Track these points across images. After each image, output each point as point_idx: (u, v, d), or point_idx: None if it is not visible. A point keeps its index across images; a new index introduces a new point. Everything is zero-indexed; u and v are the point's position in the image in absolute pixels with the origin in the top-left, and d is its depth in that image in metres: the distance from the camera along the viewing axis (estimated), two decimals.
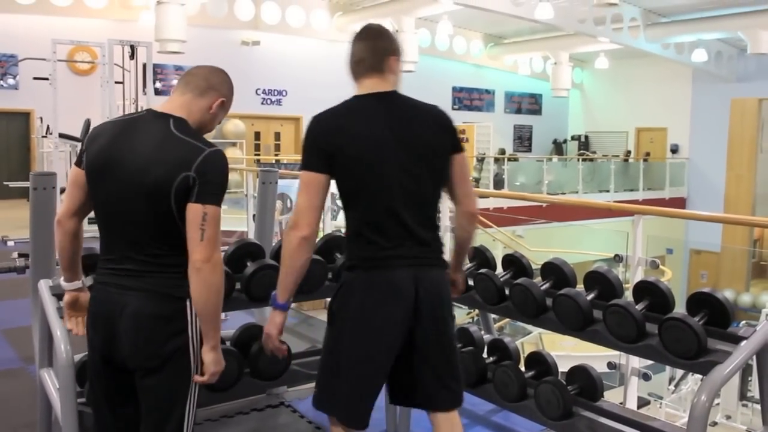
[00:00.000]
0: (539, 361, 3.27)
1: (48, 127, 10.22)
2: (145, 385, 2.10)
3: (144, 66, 6.18)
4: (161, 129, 2.06)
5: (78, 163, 2.15)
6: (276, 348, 2.40)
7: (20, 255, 4.93)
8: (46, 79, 8.48)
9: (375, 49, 2.34)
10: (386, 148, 2.23)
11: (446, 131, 2.34)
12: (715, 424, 7.28)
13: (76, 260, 2.29)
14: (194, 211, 1.98)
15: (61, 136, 9.25)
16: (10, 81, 14.60)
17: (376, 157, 2.22)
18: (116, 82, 6.41)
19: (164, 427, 2.11)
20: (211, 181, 2.00)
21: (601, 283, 2.90)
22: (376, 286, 2.23)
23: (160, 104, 2.17)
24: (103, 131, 2.13)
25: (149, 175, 1.99)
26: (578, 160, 19.77)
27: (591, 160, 20.09)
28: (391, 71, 2.35)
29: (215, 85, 2.20)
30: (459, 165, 2.34)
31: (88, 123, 10.74)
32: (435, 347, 2.30)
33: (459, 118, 20.73)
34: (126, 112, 6.39)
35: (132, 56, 5.97)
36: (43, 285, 2.98)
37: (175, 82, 12.80)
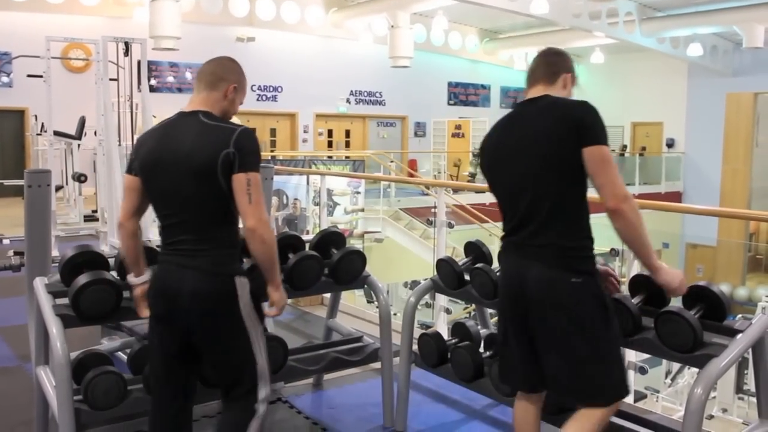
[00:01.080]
0: None
1: (42, 125, 10.17)
2: (212, 353, 2.41)
3: (139, 63, 6.15)
4: (195, 122, 2.37)
5: (129, 171, 2.47)
6: None
7: (15, 253, 4.92)
8: (41, 76, 8.44)
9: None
10: (506, 149, 2.46)
11: (572, 126, 2.30)
12: (711, 417, 7.30)
13: (140, 257, 2.58)
14: (239, 179, 2.28)
15: (56, 133, 9.21)
16: (4, 79, 14.56)
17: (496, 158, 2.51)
18: (111, 79, 6.37)
19: (239, 381, 2.42)
20: (249, 152, 2.30)
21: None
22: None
23: (186, 105, 2.45)
24: (148, 137, 2.48)
25: (195, 160, 2.29)
26: None
27: None
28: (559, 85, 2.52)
29: (223, 74, 2.47)
30: (589, 157, 2.28)
31: (83, 120, 10.71)
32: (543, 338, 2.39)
33: (454, 114, 20.76)
34: (121, 110, 6.39)
35: (126, 53, 5.94)
36: (39, 283, 2.97)
37: (170, 79, 12.77)
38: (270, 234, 2.35)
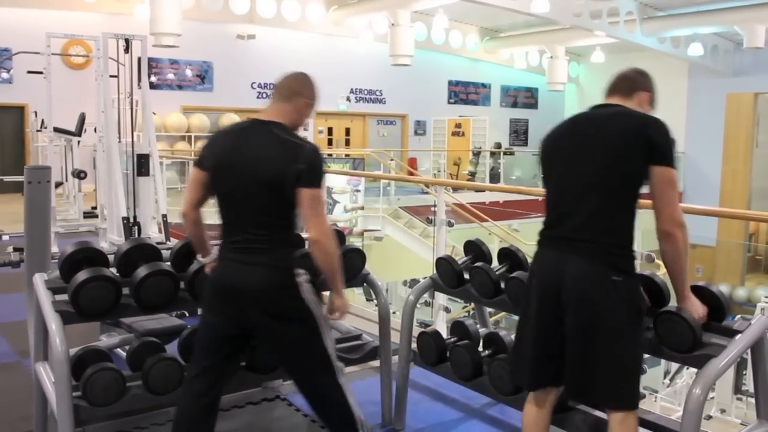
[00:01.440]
0: None
1: (42, 121, 10.17)
2: (279, 340, 2.57)
3: (139, 60, 6.14)
4: (269, 133, 2.54)
5: (198, 165, 2.65)
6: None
7: (15, 249, 4.93)
8: (41, 72, 8.45)
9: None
10: (569, 145, 2.49)
11: (645, 141, 2.33)
12: (709, 417, 7.31)
13: (205, 240, 2.79)
14: (305, 194, 2.46)
15: (56, 130, 9.22)
16: (4, 75, 14.54)
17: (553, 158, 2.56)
18: (111, 76, 6.36)
19: (308, 366, 2.59)
20: (315, 169, 2.50)
21: None
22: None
23: (261, 113, 2.63)
24: (222, 138, 2.66)
25: (268, 171, 2.47)
26: None
27: None
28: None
29: (299, 89, 2.64)
30: (657, 177, 2.32)
31: (82, 117, 10.71)
32: (571, 337, 2.38)
33: (455, 112, 20.74)
34: (121, 106, 6.38)
35: (127, 50, 5.94)
36: (38, 279, 2.97)
37: (170, 76, 12.76)
38: (332, 245, 2.52)
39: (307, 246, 2.56)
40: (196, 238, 2.79)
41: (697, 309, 2.47)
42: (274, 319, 2.51)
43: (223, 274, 2.57)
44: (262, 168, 2.48)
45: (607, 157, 2.36)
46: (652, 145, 2.32)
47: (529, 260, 2.65)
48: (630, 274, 2.37)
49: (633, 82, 2.55)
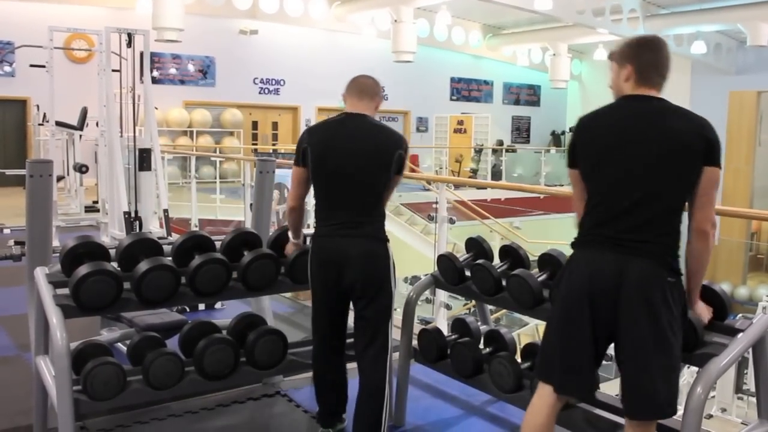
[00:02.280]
0: (536, 353, 3.27)
1: (45, 115, 10.17)
2: (366, 305, 2.99)
3: (141, 54, 6.13)
4: (365, 123, 3.02)
5: (299, 163, 3.04)
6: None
7: (16, 243, 4.93)
8: (43, 66, 8.43)
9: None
10: (621, 142, 2.39)
11: (704, 143, 2.34)
12: (710, 416, 7.30)
13: (302, 227, 3.31)
14: (397, 179, 3.06)
15: (58, 124, 9.21)
16: (7, 68, 14.55)
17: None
18: (113, 70, 6.35)
19: (379, 331, 3.01)
20: (405, 159, 3.07)
21: None
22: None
23: (349, 107, 3.06)
24: (318, 130, 3.11)
25: (375, 155, 2.96)
26: None
27: None
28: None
29: (378, 90, 3.13)
30: (708, 176, 2.32)
31: (84, 111, 10.70)
32: (628, 341, 2.29)
33: (457, 109, 20.73)
34: (123, 101, 6.37)
35: (129, 44, 5.92)
36: (39, 272, 2.97)
37: (172, 70, 12.73)
38: None
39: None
40: (299, 225, 3.28)
41: (703, 313, 2.49)
42: (370, 280, 2.98)
43: (327, 248, 2.98)
44: (370, 153, 2.95)
45: (666, 157, 2.31)
46: (710, 147, 2.33)
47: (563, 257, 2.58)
48: (680, 275, 2.35)
49: (662, 68, 2.50)
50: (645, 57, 2.48)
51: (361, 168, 2.94)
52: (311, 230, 3.16)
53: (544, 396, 2.45)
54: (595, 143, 2.44)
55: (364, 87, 3.08)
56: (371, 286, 2.97)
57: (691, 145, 2.32)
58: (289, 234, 3.34)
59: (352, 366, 3.21)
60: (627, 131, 2.38)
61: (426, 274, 3.70)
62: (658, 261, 2.29)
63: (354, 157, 2.94)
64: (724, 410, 7.34)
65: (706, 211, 2.33)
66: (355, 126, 3.01)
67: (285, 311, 5.78)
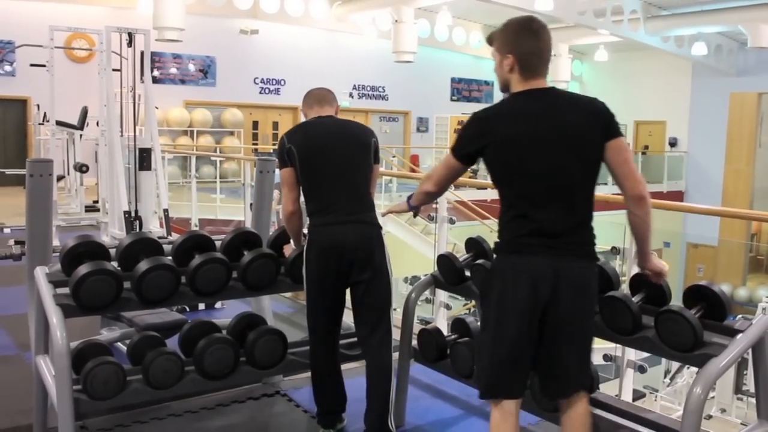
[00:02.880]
0: None
1: (45, 115, 10.18)
2: (366, 290, 3.10)
3: (142, 54, 6.13)
4: (337, 119, 3.27)
5: (286, 164, 3.13)
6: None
7: (16, 242, 4.93)
8: (44, 66, 8.44)
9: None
10: (537, 140, 2.34)
11: (603, 121, 2.33)
12: (710, 417, 7.30)
13: (302, 232, 3.31)
14: (376, 169, 3.25)
15: (58, 123, 9.21)
16: (7, 68, 14.55)
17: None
18: (114, 70, 6.35)
19: (383, 318, 3.13)
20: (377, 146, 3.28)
21: (598, 275, 2.88)
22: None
23: (315, 114, 3.28)
24: (297, 131, 3.24)
25: (355, 140, 3.18)
26: None
27: None
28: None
29: (334, 99, 3.37)
30: (614, 150, 2.33)
31: (85, 110, 10.70)
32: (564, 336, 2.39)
33: (457, 110, 20.71)
34: (123, 100, 6.37)
35: (130, 44, 5.92)
36: (40, 272, 2.97)
37: (173, 70, 12.75)
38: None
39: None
40: (298, 229, 3.29)
41: (661, 265, 2.55)
42: (369, 264, 3.10)
43: (325, 238, 3.05)
44: (357, 139, 3.16)
45: (583, 152, 2.32)
46: (608, 122, 2.34)
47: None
48: (597, 261, 2.46)
49: (545, 54, 2.40)
50: (526, 45, 2.39)
51: (346, 153, 3.13)
52: (305, 230, 3.18)
53: (503, 409, 2.41)
54: (511, 144, 2.35)
55: (322, 96, 3.31)
56: (370, 266, 3.07)
57: (595, 129, 2.32)
58: (291, 244, 3.39)
59: (350, 366, 3.22)
60: (534, 128, 2.32)
61: (426, 274, 3.70)
62: (586, 254, 2.38)
63: (338, 146, 3.13)
64: (723, 411, 7.34)
65: (633, 178, 2.33)
66: (331, 122, 3.23)
67: (285, 311, 5.78)
